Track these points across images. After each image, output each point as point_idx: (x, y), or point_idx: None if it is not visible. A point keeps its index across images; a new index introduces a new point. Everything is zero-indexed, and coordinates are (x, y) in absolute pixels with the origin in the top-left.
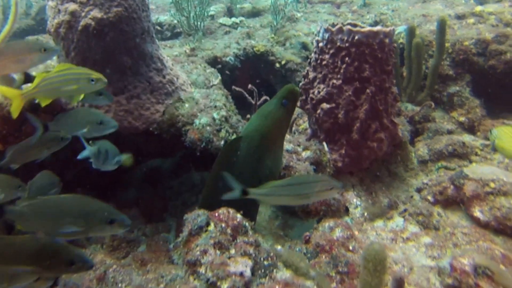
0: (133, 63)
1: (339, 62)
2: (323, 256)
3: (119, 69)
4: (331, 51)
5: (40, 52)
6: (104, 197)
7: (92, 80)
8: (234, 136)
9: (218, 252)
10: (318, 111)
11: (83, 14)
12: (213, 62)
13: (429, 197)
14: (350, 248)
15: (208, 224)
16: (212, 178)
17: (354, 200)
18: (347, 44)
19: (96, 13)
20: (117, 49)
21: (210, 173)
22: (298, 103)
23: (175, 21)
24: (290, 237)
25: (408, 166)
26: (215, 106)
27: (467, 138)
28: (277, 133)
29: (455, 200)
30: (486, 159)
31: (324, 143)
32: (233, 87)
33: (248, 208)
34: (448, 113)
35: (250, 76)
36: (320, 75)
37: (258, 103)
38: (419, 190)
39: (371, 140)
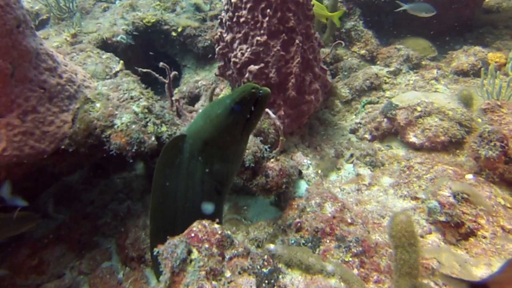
0: (16, 68)
1: (260, 16)
2: (327, 241)
3: None
4: (249, 5)
5: None
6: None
7: None
8: (163, 128)
9: (214, 283)
10: (246, 75)
11: None
12: (103, 45)
13: (367, 135)
14: (349, 221)
15: (190, 252)
16: (157, 184)
17: (304, 160)
18: None
19: None
20: None
21: (154, 178)
22: (217, 71)
23: (36, 7)
24: (250, 219)
25: (334, 110)
26: (131, 97)
27: (375, 69)
28: (226, 140)
29: (390, 132)
30: (394, 84)
31: (268, 110)
32: (140, 69)
33: (213, 194)
34: (349, 48)
35: (144, 52)
36: (239, 35)
37: (168, 81)
38: (353, 131)
39: (308, 93)
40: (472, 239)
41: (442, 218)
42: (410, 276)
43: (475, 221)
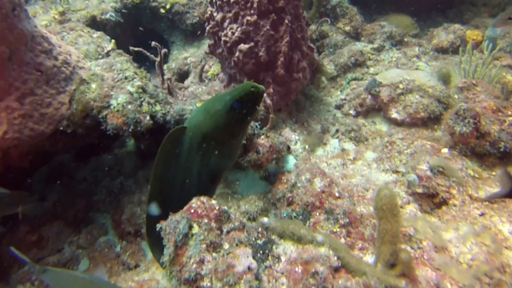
0: (13, 52)
1: None
2: (317, 214)
3: None
4: None
5: None
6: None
7: None
8: (157, 107)
9: (214, 254)
10: (236, 53)
11: None
12: (92, 23)
13: (351, 111)
14: (337, 195)
15: (191, 226)
16: (157, 172)
17: (292, 136)
18: None
19: None
20: None
21: (154, 167)
22: (207, 49)
23: None
24: (240, 193)
25: (320, 86)
26: (126, 77)
27: (359, 45)
28: (224, 135)
29: (373, 108)
30: (377, 61)
31: None
32: (131, 48)
33: (208, 184)
34: (334, 24)
35: (132, 29)
36: (230, 14)
37: (159, 59)
38: (339, 107)
39: (296, 72)
40: (444, 208)
41: (420, 190)
42: (391, 243)
43: (447, 192)
